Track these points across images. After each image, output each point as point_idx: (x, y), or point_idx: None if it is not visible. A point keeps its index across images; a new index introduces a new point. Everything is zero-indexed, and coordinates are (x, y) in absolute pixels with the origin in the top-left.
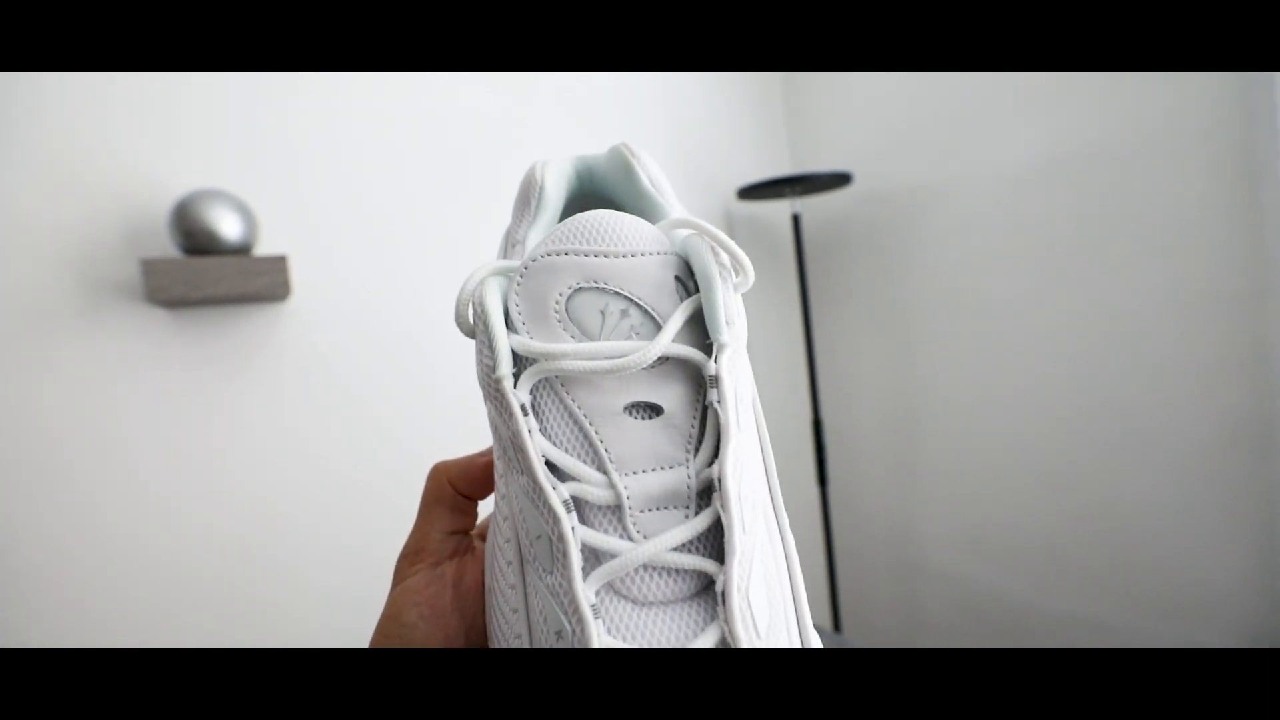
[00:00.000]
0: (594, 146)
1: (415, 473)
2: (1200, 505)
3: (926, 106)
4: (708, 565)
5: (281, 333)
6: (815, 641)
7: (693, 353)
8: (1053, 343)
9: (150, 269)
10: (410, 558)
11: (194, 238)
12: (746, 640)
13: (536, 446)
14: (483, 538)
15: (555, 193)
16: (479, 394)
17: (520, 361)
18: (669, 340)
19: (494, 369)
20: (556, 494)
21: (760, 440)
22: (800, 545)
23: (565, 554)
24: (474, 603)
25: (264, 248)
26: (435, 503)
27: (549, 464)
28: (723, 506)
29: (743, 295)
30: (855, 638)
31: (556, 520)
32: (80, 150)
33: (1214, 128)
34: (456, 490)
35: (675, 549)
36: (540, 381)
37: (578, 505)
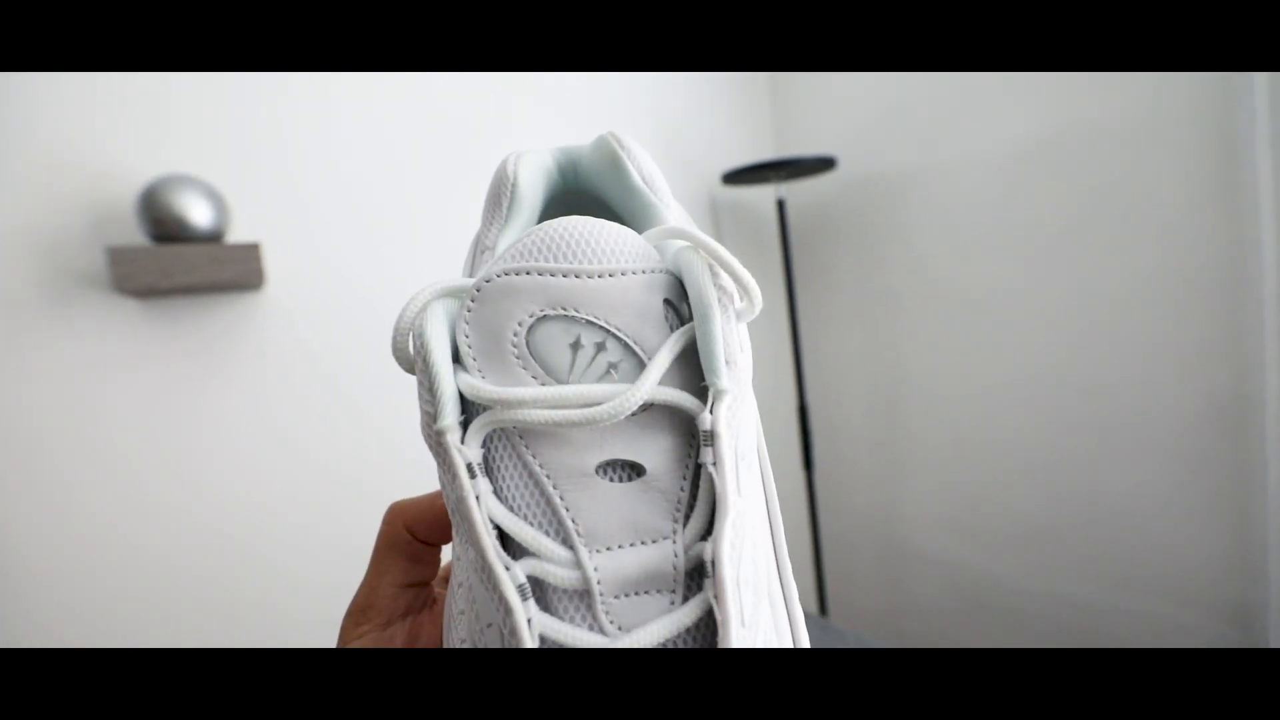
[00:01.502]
0: (576, 130)
1: (394, 463)
2: (1180, 487)
3: (911, 91)
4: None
5: (256, 322)
6: None
7: (684, 398)
8: (1036, 328)
9: (117, 257)
10: (356, 616)
11: (163, 225)
12: None
13: (485, 516)
14: (446, 585)
15: (531, 190)
16: None
17: (470, 408)
18: (654, 383)
19: (435, 419)
20: (510, 576)
21: (766, 497)
22: (786, 530)
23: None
24: None
25: (235, 235)
26: (389, 550)
27: (503, 535)
28: (716, 598)
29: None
30: (841, 621)
31: (509, 611)
32: (43, 134)
33: (1195, 113)
34: (414, 536)
35: (655, 645)
36: (495, 432)
37: (538, 587)
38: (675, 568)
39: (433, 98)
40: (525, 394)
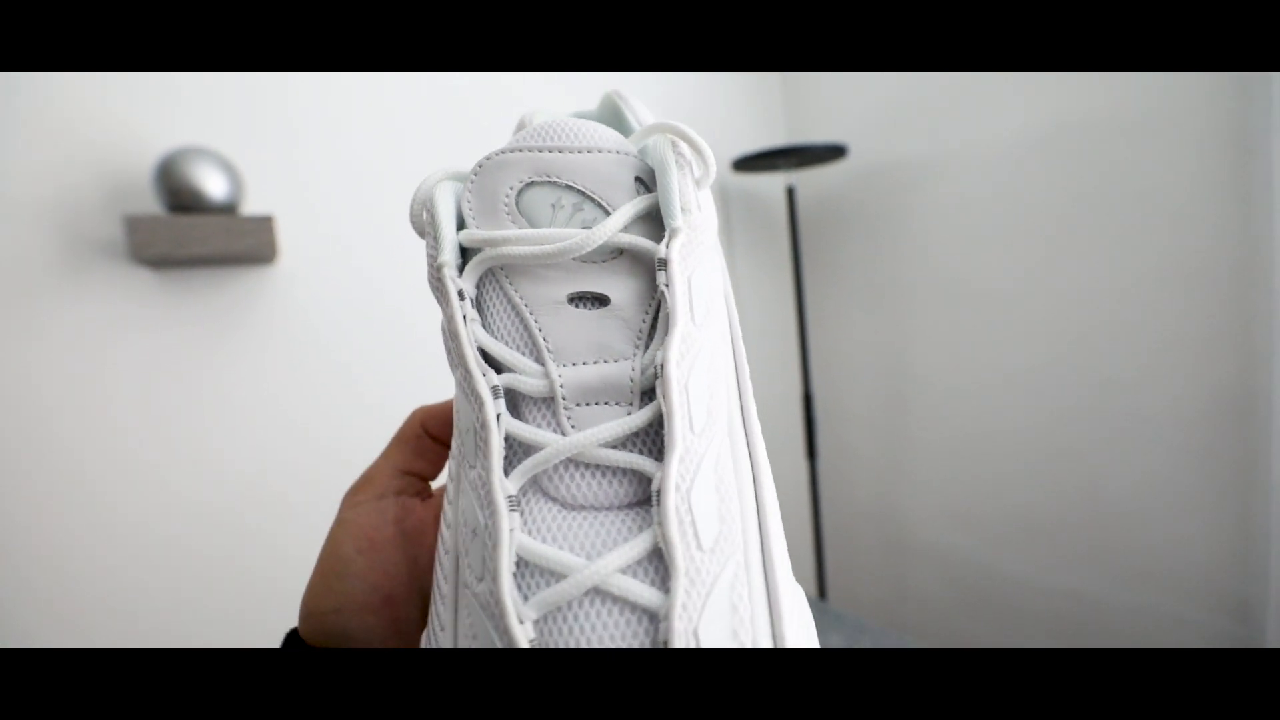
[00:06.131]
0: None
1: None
2: (1184, 481)
3: (924, 80)
4: (645, 464)
5: (269, 295)
6: (784, 576)
7: (644, 242)
8: (1042, 320)
9: (134, 226)
10: (354, 490)
11: (179, 195)
12: (683, 550)
13: (470, 334)
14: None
15: None
16: None
17: (469, 258)
18: (616, 228)
19: (437, 257)
20: (485, 380)
21: (732, 343)
22: (789, 518)
23: (486, 441)
24: (418, 544)
25: (249, 208)
26: (399, 440)
27: (489, 359)
28: (663, 395)
29: (737, 265)
30: (840, 607)
31: (481, 406)
32: (64, 103)
33: (1207, 105)
34: (427, 431)
35: (608, 444)
36: (486, 275)
37: (513, 398)
38: (632, 380)
39: (444, 81)
40: (508, 234)
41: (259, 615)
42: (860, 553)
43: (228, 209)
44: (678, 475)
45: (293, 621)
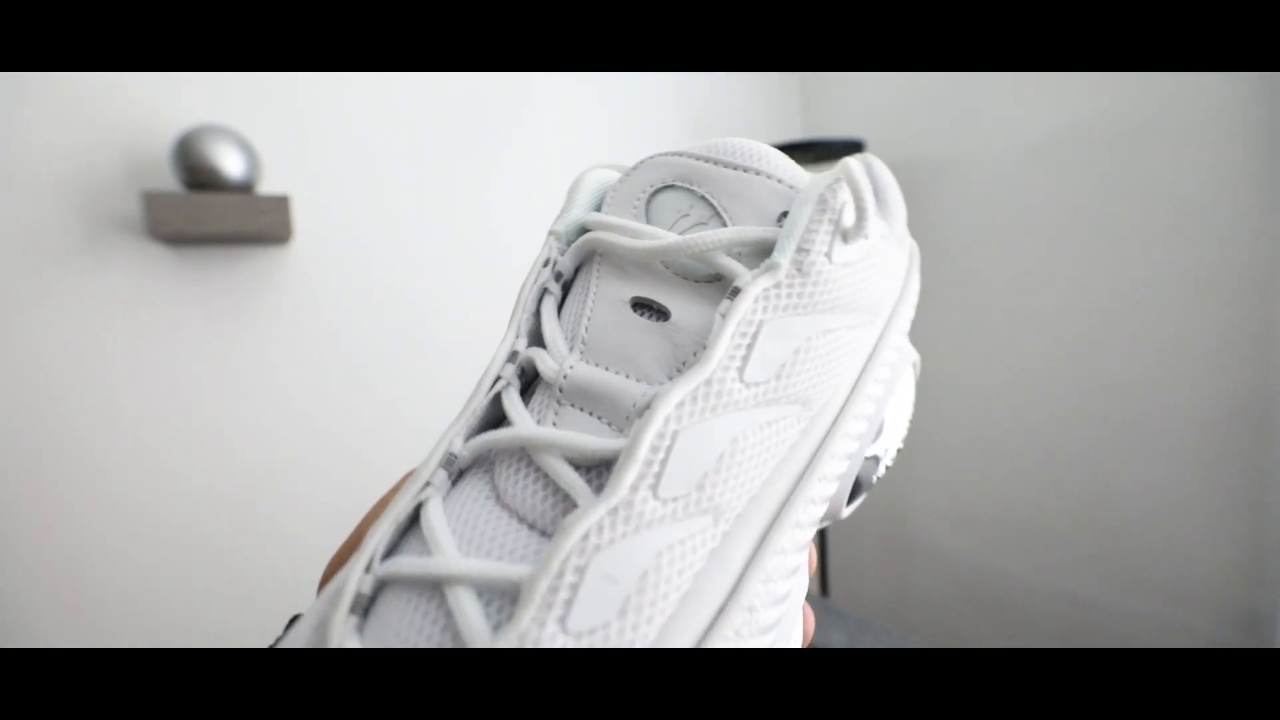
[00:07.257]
0: (600, 101)
1: (406, 429)
2: (1194, 488)
3: (944, 76)
4: (582, 496)
5: (283, 275)
6: None
7: (735, 267)
8: (1055, 322)
9: (151, 202)
10: (403, 479)
11: (196, 173)
12: (536, 613)
13: (526, 298)
14: None
15: None
16: (478, 352)
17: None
18: (712, 243)
19: (553, 224)
20: (515, 343)
21: (818, 447)
22: None
23: (471, 396)
24: None
25: (266, 187)
26: None
27: (541, 332)
28: (633, 431)
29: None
30: (843, 605)
31: (490, 363)
32: (85, 80)
33: (1228, 104)
34: None
35: (570, 457)
36: (589, 259)
37: (535, 378)
38: (633, 406)
39: (462, 73)
40: (610, 220)
41: (269, 602)
42: (864, 551)
43: (244, 188)
44: (593, 527)
45: (298, 607)
